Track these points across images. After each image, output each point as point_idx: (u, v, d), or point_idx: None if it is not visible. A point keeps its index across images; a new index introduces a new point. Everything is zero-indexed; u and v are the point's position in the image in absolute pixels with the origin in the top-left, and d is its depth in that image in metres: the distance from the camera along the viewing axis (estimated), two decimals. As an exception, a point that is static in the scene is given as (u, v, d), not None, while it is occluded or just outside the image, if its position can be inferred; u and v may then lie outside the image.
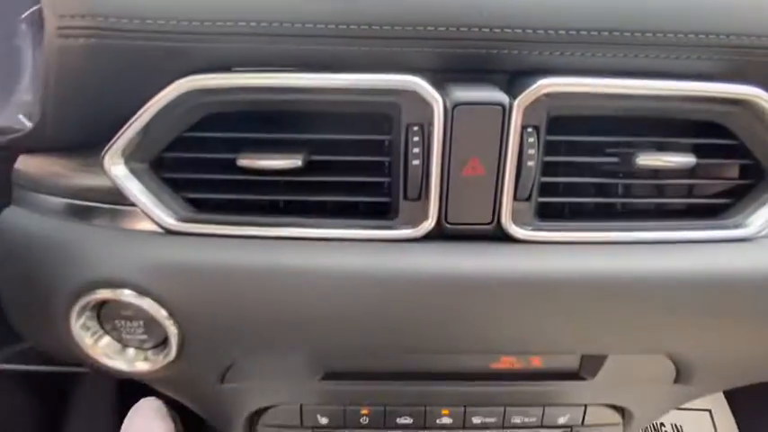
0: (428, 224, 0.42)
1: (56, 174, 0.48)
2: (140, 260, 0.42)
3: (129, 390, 1.26)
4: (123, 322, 0.44)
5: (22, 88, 0.71)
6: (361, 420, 0.56)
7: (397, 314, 0.43)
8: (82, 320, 0.43)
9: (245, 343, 0.45)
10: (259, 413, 0.56)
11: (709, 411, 1.23)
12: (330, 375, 0.51)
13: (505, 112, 0.40)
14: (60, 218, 0.46)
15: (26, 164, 0.49)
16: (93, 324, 0.44)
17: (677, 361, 0.49)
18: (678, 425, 1.22)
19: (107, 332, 0.45)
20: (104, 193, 0.45)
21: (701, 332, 0.46)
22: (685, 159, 0.43)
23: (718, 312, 0.44)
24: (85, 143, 0.47)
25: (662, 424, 1.22)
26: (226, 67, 0.40)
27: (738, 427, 1.16)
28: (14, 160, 0.51)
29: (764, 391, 1.09)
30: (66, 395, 1.25)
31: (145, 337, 0.44)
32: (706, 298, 0.44)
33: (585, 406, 0.56)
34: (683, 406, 1.23)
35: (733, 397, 1.20)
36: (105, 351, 0.45)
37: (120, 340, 0.45)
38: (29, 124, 0.56)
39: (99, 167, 0.45)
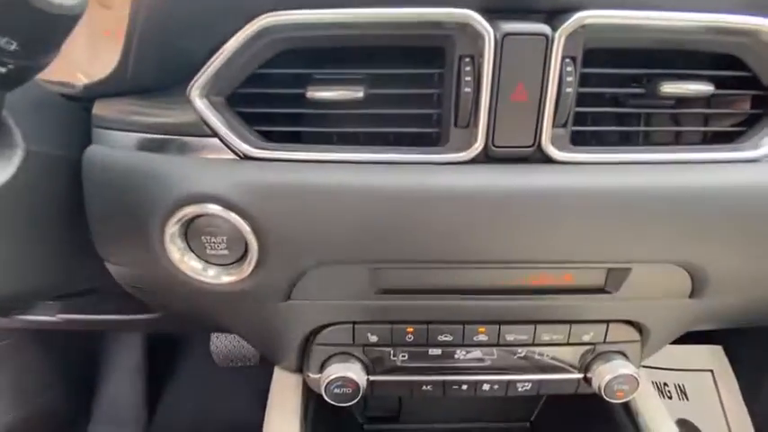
0: (477, 147, 0.48)
1: (135, 112, 0.53)
2: (225, 178, 0.47)
3: (157, 350, 1.33)
4: (207, 238, 0.49)
5: (78, 47, 0.76)
6: (406, 338, 0.62)
7: (449, 226, 0.49)
8: (172, 236, 0.49)
9: (315, 255, 0.51)
10: (314, 333, 0.62)
11: (711, 371, 1.28)
12: (383, 291, 0.57)
13: (548, 42, 0.45)
14: (144, 151, 0.52)
15: (103, 107, 0.55)
16: (180, 242, 0.50)
17: (693, 271, 0.55)
18: (681, 384, 1.27)
19: (192, 250, 0.51)
20: (183, 127, 0.50)
21: (715, 243, 0.51)
22: (704, 87, 0.49)
23: (729, 224, 0.50)
24: (158, 86, 0.52)
25: (665, 384, 1.28)
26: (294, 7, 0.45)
27: (740, 387, 1.21)
28: (88, 108, 0.56)
29: (765, 352, 1.15)
30: (96, 355, 1.31)
31: (226, 252, 0.50)
32: (719, 211, 0.50)
33: (608, 323, 0.62)
34: (685, 367, 1.30)
35: (734, 357, 1.26)
36: (190, 267, 0.51)
37: (203, 257, 0.51)
38: (86, 80, 0.61)
39: (175, 104, 0.50)
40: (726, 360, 1.27)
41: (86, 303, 0.88)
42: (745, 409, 1.20)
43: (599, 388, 0.64)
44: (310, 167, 0.48)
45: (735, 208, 0.49)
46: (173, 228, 0.48)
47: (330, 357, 0.63)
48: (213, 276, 0.51)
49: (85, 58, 0.75)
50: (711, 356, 1.28)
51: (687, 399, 1.23)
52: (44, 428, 1.16)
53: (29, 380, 1.15)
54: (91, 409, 1.28)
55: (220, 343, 1.32)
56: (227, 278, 0.51)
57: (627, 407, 0.75)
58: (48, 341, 1.15)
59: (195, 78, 0.47)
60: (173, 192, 0.47)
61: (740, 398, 1.21)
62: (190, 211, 0.47)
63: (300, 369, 0.69)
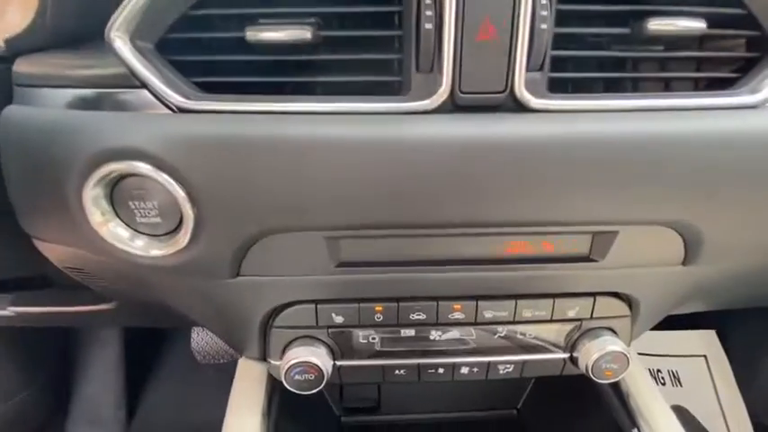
0: (442, 93, 0.42)
1: (59, 66, 0.47)
2: (155, 131, 0.41)
3: (136, 347, 1.27)
4: (136, 203, 0.43)
5: (9, 11, 0.69)
6: (375, 318, 0.57)
7: (412, 184, 0.43)
8: (95, 199, 0.43)
9: (260, 221, 0.45)
10: (274, 314, 0.57)
11: (705, 357, 1.26)
12: (344, 264, 0.51)
13: None
14: (72, 109, 0.46)
15: (26, 64, 0.49)
16: (105, 204, 0.44)
17: (685, 234, 0.50)
18: (674, 370, 1.25)
19: (119, 216, 0.44)
20: (110, 79, 0.44)
21: (710, 199, 0.46)
22: (696, 24, 0.43)
23: (725, 177, 0.45)
24: (84, 37, 0.46)
25: (659, 370, 1.25)
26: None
27: (733, 371, 1.19)
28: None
29: (758, 336, 1.12)
30: (71, 353, 1.25)
31: (158, 220, 0.44)
32: (714, 161, 0.44)
33: (595, 296, 0.57)
34: (678, 353, 1.27)
35: (727, 342, 1.23)
36: (114, 234, 0.45)
37: (133, 226, 0.45)
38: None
39: (104, 55, 0.44)
40: (719, 345, 1.26)
41: (40, 296, 0.83)
42: (738, 393, 1.19)
43: (586, 368, 0.59)
44: (252, 119, 0.42)
45: (732, 158, 0.44)
46: (95, 189, 0.42)
47: (292, 341, 0.58)
48: (142, 248, 0.45)
49: (17, 21, 0.69)
50: (704, 342, 1.27)
51: (681, 385, 1.22)
52: (17, 431, 1.10)
53: (-1, 380, 1.09)
54: (68, 410, 1.23)
55: (201, 339, 1.28)
56: (157, 251, 0.45)
57: (617, 389, 0.70)
58: (18, 339, 1.10)
59: (114, 18, 0.41)
60: (92, 146, 0.41)
61: (734, 382, 1.20)
62: (113, 168, 0.41)
63: (265, 357, 0.63)
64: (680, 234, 0.50)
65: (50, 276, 0.79)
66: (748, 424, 1.14)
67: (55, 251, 0.54)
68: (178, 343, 1.31)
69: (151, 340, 1.32)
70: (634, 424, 0.64)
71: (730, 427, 1.15)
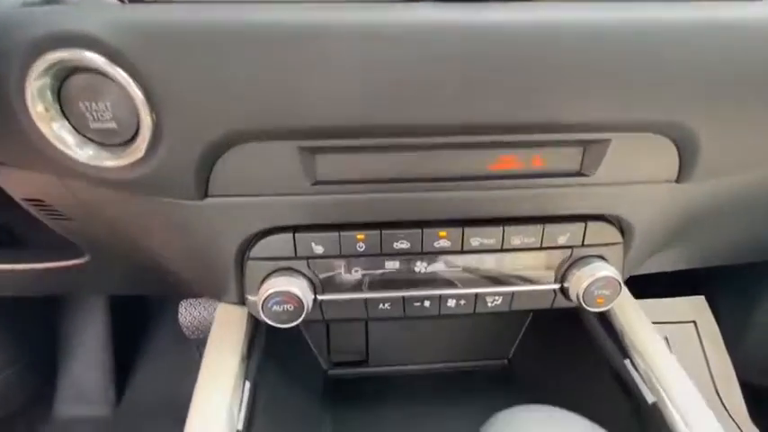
0: None
1: None
2: (107, 18, 0.37)
3: (124, 324, 1.24)
4: (88, 105, 0.39)
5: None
6: (357, 247, 0.54)
7: (389, 78, 0.40)
8: (41, 90, 0.39)
9: (224, 121, 0.41)
10: (251, 244, 0.53)
11: (694, 323, 1.26)
12: (320, 182, 0.48)
13: None
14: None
15: None
16: (50, 98, 0.39)
17: (680, 140, 0.47)
18: (665, 337, 1.25)
19: (66, 116, 0.40)
20: None
21: (707, 95, 0.44)
22: None
23: (724, 72, 0.42)
24: None
25: None
26: None
27: (722, 336, 1.20)
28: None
29: (747, 302, 1.12)
30: (57, 330, 1.22)
31: (113, 126, 0.40)
32: (713, 54, 0.42)
33: (586, 221, 0.55)
34: (668, 319, 1.27)
35: (716, 306, 1.23)
36: (60, 137, 0.41)
37: (85, 131, 0.41)
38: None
39: None
40: (708, 310, 1.27)
41: (6, 253, 0.79)
42: (727, 356, 1.19)
43: (577, 296, 0.56)
44: (214, 6, 0.39)
45: (732, 51, 0.41)
46: (40, 80, 0.38)
47: (270, 274, 0.55)
48: (93, 157, 0.41)
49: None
50: (694, 307, 1.27)
51: (671, 351, 1.21)
52: (1, 411, 1.07)
53: (-20, 360, 1.05)
54: (55, 389, 1.20)
55: (189, 314, 1.25)
56: (111, 162, 0.42)
57: (610, 328, 0.68)
58: (1, 317, 1.06)
59: None
60: (36, 31, 0.37)
61: (722, 346, 1.20)
62: (60, 57, 0.37)
63: (243, 300, 0.60)
64: (675, 143, 0.47)
65: (20, 236, 0.76)
66: (736, 386, 1.14)
67: (11, 178, 0.50)
68: (166, 318, 1.28)
69: (138, 316, 1.29)
70: (626, 356, 0.63)
71: (719, 390, 1.15)
